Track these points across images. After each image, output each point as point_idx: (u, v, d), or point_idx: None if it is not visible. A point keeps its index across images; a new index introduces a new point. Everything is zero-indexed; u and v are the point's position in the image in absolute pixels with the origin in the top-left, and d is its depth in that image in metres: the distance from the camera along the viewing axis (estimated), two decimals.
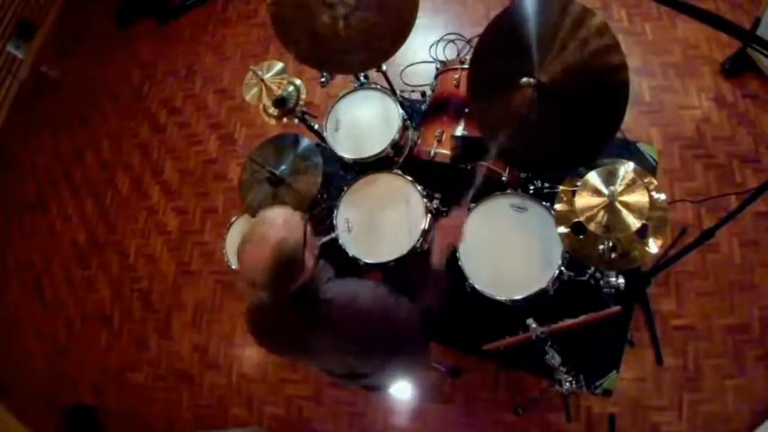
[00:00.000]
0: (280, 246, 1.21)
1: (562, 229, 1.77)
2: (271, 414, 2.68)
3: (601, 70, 1.45)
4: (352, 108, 2.28)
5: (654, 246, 1.66)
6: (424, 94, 2.67)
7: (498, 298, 1.84)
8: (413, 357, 1.75)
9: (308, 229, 1.30)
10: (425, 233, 1.99)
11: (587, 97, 1.52)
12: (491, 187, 2.01)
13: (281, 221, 1.25)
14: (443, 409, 2.42)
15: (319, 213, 2.23)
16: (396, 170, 2.14)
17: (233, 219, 2.35)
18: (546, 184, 2.10)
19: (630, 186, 1.53)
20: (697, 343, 2.21)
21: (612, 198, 1.51)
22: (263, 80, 2.01)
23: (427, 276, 1.56)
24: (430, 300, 1.51)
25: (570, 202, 1.74)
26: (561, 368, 1.71)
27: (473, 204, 2.00)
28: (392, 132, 2.13)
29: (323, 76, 2.16)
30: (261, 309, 1.49)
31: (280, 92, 2.03)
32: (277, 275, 1.23)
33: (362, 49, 1.86)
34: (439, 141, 2.06)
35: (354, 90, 2.31)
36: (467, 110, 2.03)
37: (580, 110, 1.55)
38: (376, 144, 2.14)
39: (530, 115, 1.61)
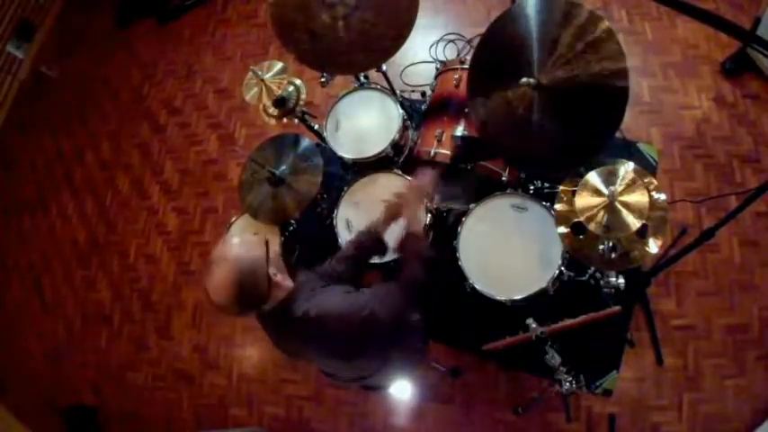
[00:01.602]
0: (237, 261, 1.23)
1: (562, 229, 1.77)
2: (271, 414, 2.68)
3: (602, 77, 1.45)
4: (352, 108, 2.28)
5: (654, 246, 1.67)
6: (424, 94, 2.67)
7: (498, 298, 1.84)
8: (411, 356, 1.75)
9: (271, 246, 1.32)
10: (425, 233, 1.99)
11: (587, 98, 1.52)
12: (491, 187, 2.02)
13: (237, 241, 1.30)
14: (443, 409, 2.42)
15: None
16: (396, 170, 2.14)
17: (233, 219, 2.35)
18: (546, 184, 2.10)
19: (630, 186, 1.53)
20: (697, 343, 2.21)
21: (612, 198, 1.51)
22: (263, 80, 2.01)
23: (408, 246, 1.56)
24: (415, 269, 1.50)
25: (570, 202, 1.74)
26: (561, 368, 1.71)
27: (473, 204, 2.00)
28: (392, 132, 2.14)
29: (323, 76, 2.16)
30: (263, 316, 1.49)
31: (280, 92, 2.03)
32: (241, 292, 1.24)
33: (362, 49, 1.86)
34: (439, 141, 2.06)
35: (354, 90, 2.31)
36: (467, 110, 2.03)
37: (580, 110, 1.55)
38: (376, 144, 2.14)
39: (530, 115, 1.61)
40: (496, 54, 1.69)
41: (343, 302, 1.36)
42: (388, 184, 2.13)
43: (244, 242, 1.31)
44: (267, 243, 1.33)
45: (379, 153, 2.12)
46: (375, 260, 2.00)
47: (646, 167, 2.28)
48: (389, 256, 1.97)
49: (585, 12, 1.46)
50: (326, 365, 1.63)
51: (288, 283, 1.35)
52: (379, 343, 1.42)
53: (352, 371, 1.59)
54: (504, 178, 2.02)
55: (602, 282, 1.88)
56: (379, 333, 1.35)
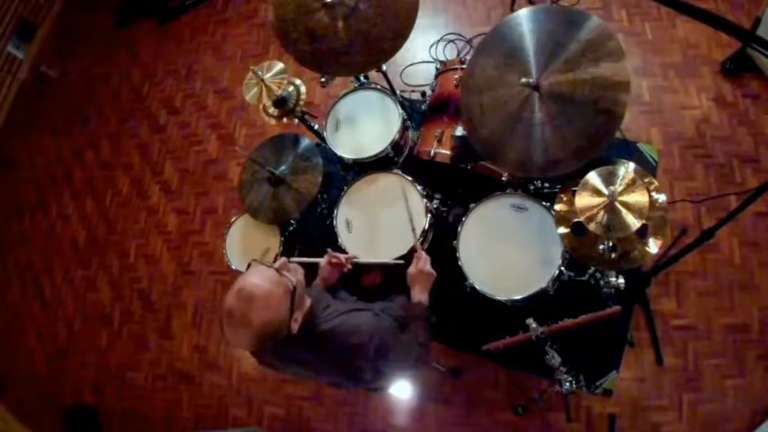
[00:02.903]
0: (264, 329, 1.19)
1: (562, 229, 1.77)
2: (271, 414, 2.68)
3: (600, 97, 1.46)
4: (352, 108, 2.28)
5: (654, 246, 1.67)
6: (424, 94, 2.67)
7: (498, 298, 1.84)
8: (414, 365, 1.75)
9: (296, 290, 1.27)
10: (425, 233, 2.00)
11: (582, 112, 1.53)
12: (491, 187, 2.01)
13: (264, 298, 1.20)
14: (443, 409, 2.42)
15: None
16: (396, 170, 2.14)
17: (233, 219, 2.35)
18: (546, 184, 2.10)
19: (630, 186, 1.53)
20: (697, 343, 2.21)
21: (612, 198, 1.51)
22: (263, 80, 2.01)
23: (411, 313, 1.62)
24: (423, 334, 1.56)
25: (570, 202, 1.74)
26: (561, 368, 1.71)
27: (473, 204, 2.00)
28: (392, 132, 2.13)
29: (323, 77, 2.16)
30: None
31: (280, 92, 2.03)
32: (263, 346, 1.24)
33: (362, 49, 1.86)
34: (439, 141, 2.05)
35: (354, 90, 2.31)
36: None
37: (580, 111, 1.55)
38: (376, 144, 2.14)
39: (530, 115, 1.60)
40: (496, 56, 1.68)
41: (373, 326, 1.41)
42: (388, 185, 2.13)
43: (271, 298, 1.21)
44: (294, 289, 1.26)
45: (379, 153, 2.11)
46: (372, 260, 2.02)
47: (646, 167, 2.28)
48: (388, 257, 1.97)
49: (600, 29, 1.46)
50: (320, 377, 1.63)
51: (305, 308, 1.35)
52: (386, 363, 1.45)
53: (344, 381, 1.60)
54: (504, 178, 2.02)
55: (602, 282, 1.88)
56: (389, 357, 1.42)
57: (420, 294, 1.69)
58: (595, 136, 1.50)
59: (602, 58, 1.46)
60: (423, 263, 1.73)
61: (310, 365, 1.47)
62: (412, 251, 1.85)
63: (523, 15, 1.62)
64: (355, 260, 1.76)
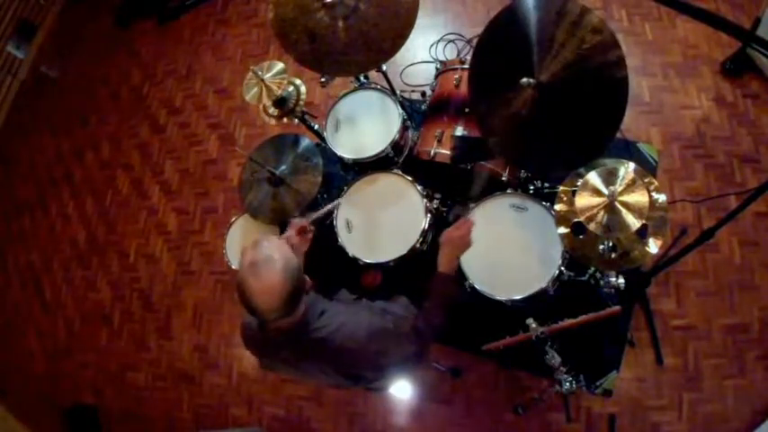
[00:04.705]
0: (287, 262, 1.22)
1: (562, 230, 1.77)
2: (271, 414, 2.68)
3: (599, 67, 1.44)
4: (352, 108, 2.28)
5: (654, 246, 1.67)
6: (424, 94, 2.67)
7: (498, 298, 1.84)
8: (413, 366, 1.75)
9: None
10: (425, 233, 2.00)
11: (587, 96, 1.52)
12: (491, 187, 2.02)
13: (276, 243, 1.27)
14: (443, 409, 2.42)
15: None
16: (396, 170, 2.14)
17: (233, 219, 2.35)
18: (546, 184, 2.10)
19: (630, 186, 1.53)
20: (697, 343, 2.21)
21: (612, 198, 1.51)
22: (263, 80, 2.01)
23: (433, 285, 1.57)
24: (438, 312, 1.54)
25: (570, 202, 1.75)
26: (561, 368, 1.71)
27: (473, 204, 2.00)
28: (392, 132, 2.13)
29: (323, 77, 2.16)
30: (253, 329, 1.48)
31: (280, 92, 2.03)
32: (292, 291, 1.23)
33: (362, 49, 1.86)
34: (439, 141, 2.05)
35: (354, 90, 2.31)
36: (467, 110, 2.03)
37: (580, 109, 1.55)
38: (376, 144, 2.14)
39: (530, 115, 1.60)
40: (496, 53, 1.68)
41: (371, 330, 1.39)
42: (389, 185, 2.13)
43: (280, 244, 1.28)
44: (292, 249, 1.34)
45: (379, 153, 2.12)
46: (370, 260, 2.02)
47: (646, 167, 2.27)
48: (388, 257, 1.97)
49: (577, 7, 1.45)
50: (317, 380, 1.63)
51: (300, 308, 1.34)
52: (385, 368, 1.46)
53: (341, 384, 1.60)
54: (504, 178, 2.02)
55: (602, 282, 1.88)
56: (389, 362, 1.42)
57: (446, 263, 1.58)
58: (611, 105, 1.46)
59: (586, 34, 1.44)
60: (464, 229, 1.62)
61: (310, 372, 1.47)
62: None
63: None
64: (312, 218, 1.69)
